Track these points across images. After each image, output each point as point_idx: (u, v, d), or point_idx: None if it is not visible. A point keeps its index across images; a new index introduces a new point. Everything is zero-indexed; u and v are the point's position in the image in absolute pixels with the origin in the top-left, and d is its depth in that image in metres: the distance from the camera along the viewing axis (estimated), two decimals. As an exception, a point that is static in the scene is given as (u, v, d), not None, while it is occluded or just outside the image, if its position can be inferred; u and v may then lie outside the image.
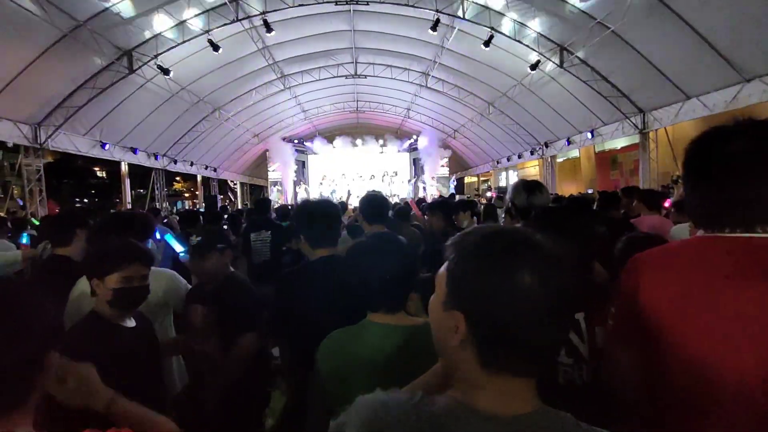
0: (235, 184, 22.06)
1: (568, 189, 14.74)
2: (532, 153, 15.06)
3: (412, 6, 8.94)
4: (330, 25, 10.97)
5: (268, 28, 9.14)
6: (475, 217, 4.15)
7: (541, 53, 9.61)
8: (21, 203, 9.70)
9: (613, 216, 3.55)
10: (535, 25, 9.14)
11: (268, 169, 19.68)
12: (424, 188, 19.30)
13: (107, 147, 10.53)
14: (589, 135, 11.57)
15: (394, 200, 12.14)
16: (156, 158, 13.06)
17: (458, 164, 22.02)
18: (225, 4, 8.52)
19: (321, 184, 19.90)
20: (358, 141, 19.83)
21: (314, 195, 19.29)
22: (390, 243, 1.22)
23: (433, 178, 19.31)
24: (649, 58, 8.08)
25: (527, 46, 9.56)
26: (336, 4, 9.15)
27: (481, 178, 24.32)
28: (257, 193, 23.07)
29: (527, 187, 2.01)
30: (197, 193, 19.53)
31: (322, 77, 13.82)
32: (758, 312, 0.74)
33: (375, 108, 18.55)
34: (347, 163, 19.73)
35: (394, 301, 1.15)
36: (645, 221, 3.04)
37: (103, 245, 1.53)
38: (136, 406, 0.97)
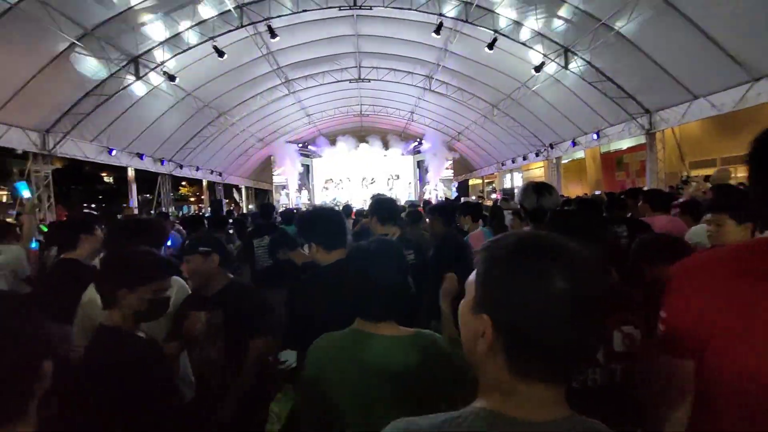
0: (240, 189, 22.18)
1: (573, 190, 14.64)
2: (537, 155, 15.00)
3: (416, 10, 8.97)
4: (333, 29, 11.03)
5: (273, 33, 9.21)
6: (480, 220, 4.11)
7: (545, 55, 9.59)
8: None
9: (625, 217, 3.49)
10: (539, 26, 9.12)
11: (273, 173, 19.79)
12: (430, 191, 19.28)
13: (114, 153, 10.64)
14: (594, 136, 11.50)
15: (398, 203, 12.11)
16: (162, 163, 13.16)
17: (463, 166, 21.98)
18: (230, 10, 8.60)
19: (326, 188, 19.95)
20: (362, 137, 19.89)
21: (318, 199, 19.34)
22: (389, 250, 1.21)
23: (440, 180, 19.31)
24: (655, 58, 8.02)
25: (531, 48, 9.53)
26: (339, 9, 9.19)
27: (486, 180, 24.24)
28: (262, 197, 23.17)
29: (536, 189, 1.98)
30: (203, 197, 19.65)
31: (326, 82, 13.90)
32: None
33: (379, 112, 18.60)
34: (351, 166, 19.78)
35: (383, 309, 1.13)
36: (655, 222, 2.98)
37: (132, 255, 1.49)
38: None
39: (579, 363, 0.63)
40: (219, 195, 18.46)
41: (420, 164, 20.26)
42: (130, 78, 8.97)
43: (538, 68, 9.86)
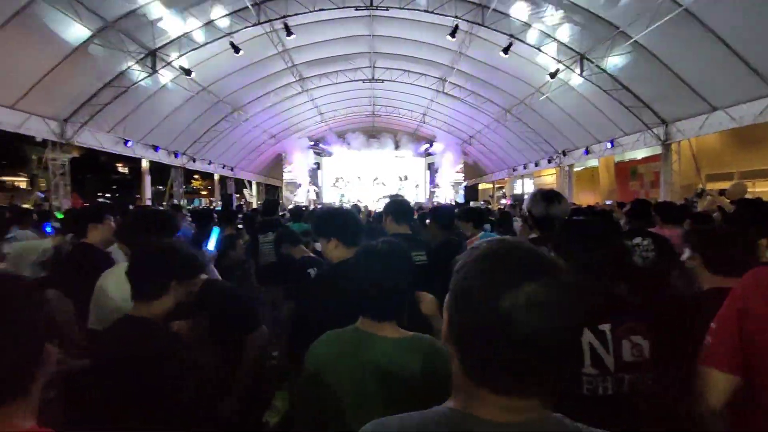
0: (250, 184, 22.38)
1: (585, 199, 14.45)
2: (549, 161, 14.84)
3: (432, 12, 8.95)
4: (349, 29, 11.08)
5: (289, 31, 9.28)
6: (488, 225, 4.08)
7: (561, 61, 9.49)
8: (42, 196, 10.01)
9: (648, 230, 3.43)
10: (556, 32, 9.04)
11: (284, 170, 19.93)
12: (437, 194, 19.23)
13: (130, 144, 10.83)
14: (608, 145, 11.34)
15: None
16: (176, 156, 13.36)
17: (473, 170, 21.87)
18: (247, 7, 8.69)
19: (336, 185, 20.03)
20: (373, 139, 19.92)
21: (326, 196, 19.43)
22: (396, 252, 1.21)
23: (449, 184, 19.25)
24: (674, 67, 7.88)
25: (547, 54, 9.45)
26: (356, 9, 9.23)
27: (497, 185, 24.08)
28: (272, 193, 23.34)
29: (545, 196, 1.96)
30: (213, 190, 19.88)
31: (339, 81, 13.95)
32: None
33: (391, 112, 18.61)
34: (361, 166, 19.83)
35: (386, 309, 1.14)
36: (666, 234, 2.93)
37: (180, 246, 1.46)
38: None
39: (545, 381, 0.55)
40: (230, 189, 18.66)
41: (430, 166, 20.23)
42: (148, 71, 9.13)
43: (553, 74, 9.77)
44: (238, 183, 19.83)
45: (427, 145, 19.67)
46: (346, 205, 9.90)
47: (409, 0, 8.84)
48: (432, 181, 20.23)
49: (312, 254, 2.90)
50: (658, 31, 7.23)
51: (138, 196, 14.17)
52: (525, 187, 19.99)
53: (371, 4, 8.98)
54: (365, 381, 1.07)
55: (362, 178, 19.87)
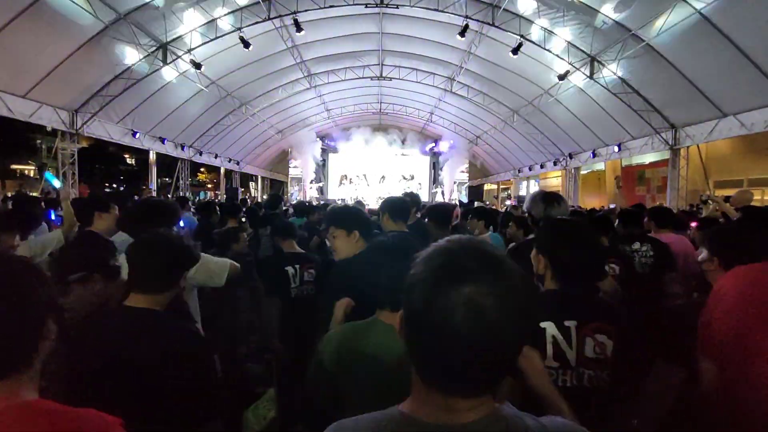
0: (256, 178, 22.50)
1: (591, 202, 14.37)
2: (555, 163, 14.76)
3: (442, 11, 8.92)
4: (358, 26, 11.07)
5: (298, 27, 9.30)
6: (491, 226, 4.09)
7: (570, 63, 9.42)
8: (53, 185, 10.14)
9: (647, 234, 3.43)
10: (566, 34, 8.97)
11: (289, 165, 19.99)
12: (442, 193, 19.19)
13: (138, 135, 10.93)
14: (615, 148, 11.25)
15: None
16: (183, 149, 13.46)
17: (479, 171, 21.80)
18: (258, 2, 8.72)
19: (342, 183, 20.05)
20: (380, 135, 19.86)
21: (331, 194, 19.47)
22: (405, 244, 1.25)
23: (454, 183, 19.20)
24: (685, 72, 7.80)
25: (557, 55, 9.38)
26: (366, 7, 9.22)
27: (502, 186, 23.99)
28: (277, 188, 23.46)
29: (545, 198, 1.98)
30: (218, 183, 20.01)
31: (347, 78, 13.95)
32: None
33: (398, 110, 18.58)
34: (367, 163, 19.83)
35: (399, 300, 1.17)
36: (662, 239, 2.93)
37: (183, 238, 1.44)
38: None
39: (485, 382, 0.55)
40: (235, 183, 18.77)
41: (435, 166, 20.19)
42: (158, 64, 9.20)
43: (562, 76, 9.70)
44: (243, 177, 19.94)
45: (433, 144, 19.63)
46: (349, 203, 9.93)
47: (418, -2, 8.82)
48: (436, 180, 20.20)
49: (302, 250, 2.94)
50: (671, 34, 7.16)
51: (144, 186, 14.32)
52: (530, 188, 19.91)
53: (381, 2, 8.97)
54: (378, 369, 1.10)
55: (368, 176, 19.86)
